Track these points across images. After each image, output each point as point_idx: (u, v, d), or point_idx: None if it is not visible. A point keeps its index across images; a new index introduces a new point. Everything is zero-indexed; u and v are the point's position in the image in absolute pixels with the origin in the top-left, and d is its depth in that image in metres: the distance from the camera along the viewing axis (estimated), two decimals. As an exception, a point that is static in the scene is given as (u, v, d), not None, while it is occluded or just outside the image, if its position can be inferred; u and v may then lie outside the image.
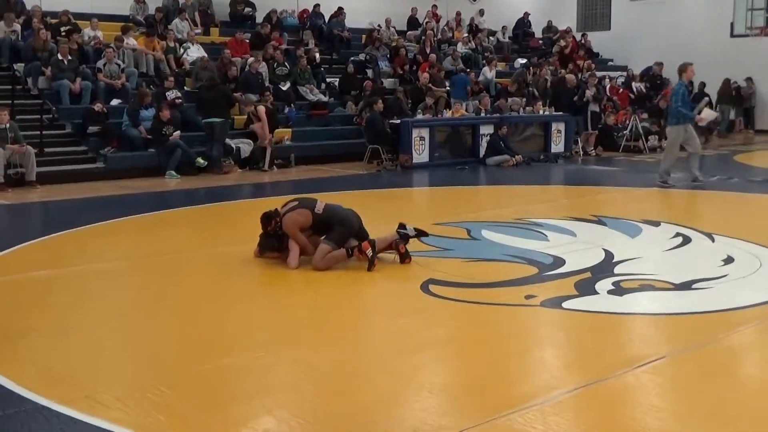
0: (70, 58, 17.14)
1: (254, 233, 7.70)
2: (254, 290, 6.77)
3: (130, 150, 16.21)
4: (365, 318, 5.91)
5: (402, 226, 7.39)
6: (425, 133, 17.91)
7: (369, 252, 7.06)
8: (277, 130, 17.72)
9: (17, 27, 18.24)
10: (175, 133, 16.15)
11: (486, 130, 18.78)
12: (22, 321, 5.72)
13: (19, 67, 17.31)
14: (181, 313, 5.92)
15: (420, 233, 7.43)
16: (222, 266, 7.38)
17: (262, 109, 17.15)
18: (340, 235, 7.24)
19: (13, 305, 6.20)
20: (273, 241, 7.34)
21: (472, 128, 18.72)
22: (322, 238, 7.23)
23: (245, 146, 17.28)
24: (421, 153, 17.82)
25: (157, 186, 14.53)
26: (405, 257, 7.36)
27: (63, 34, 18.39)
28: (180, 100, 17.31)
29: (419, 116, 18.84)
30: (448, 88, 21.96)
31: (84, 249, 8.45)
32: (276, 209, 7.35)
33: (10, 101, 15.31)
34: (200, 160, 16.27)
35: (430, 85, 20.93)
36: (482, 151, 18.49)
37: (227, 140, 16.97)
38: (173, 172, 15.88)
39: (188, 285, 6.81)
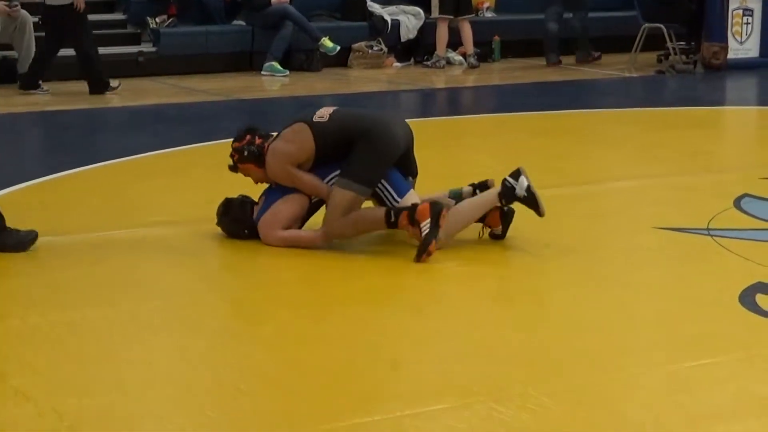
0: None
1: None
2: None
3: (200, 22, 14.05)
4: (635, 354, 4.77)
5: (516, 174, 6.01)
6: (754, 1, 14.92)
7: (426, 224, 5.65)
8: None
9: None
10: (283, -9, 14.26)
11: None
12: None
13: None
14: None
15: (529, 199, 5.93)
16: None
17: None
18: (370, 160, 5.89)
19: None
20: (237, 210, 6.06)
21: None
22: (336, 174, 5.98)
23: (408, 20, 14.89)
24: (743, 41, 14.81)
25: (250, 89, 13.06)
26: (502, 232, 6.08)
27: None
28: None
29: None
30: None
31: (125, 199, 7.45)
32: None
33: None
34: (327, 42, 13.68)
35: None
36: None
37: (373, 4, 14.76)
38: (276, 65, 13.44)
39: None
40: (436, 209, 5.71)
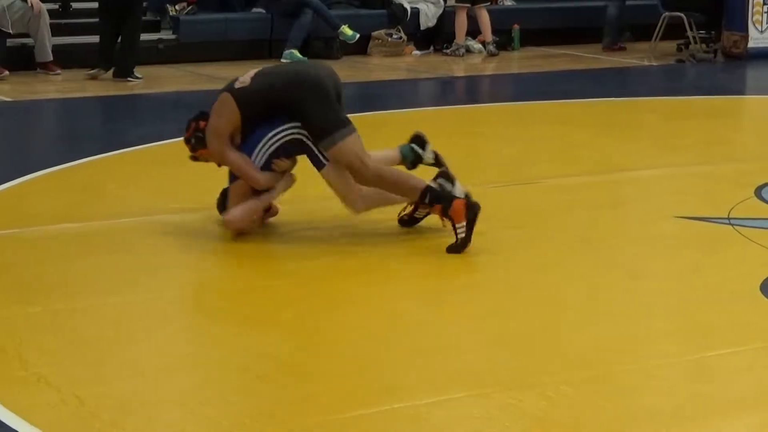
0: None
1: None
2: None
3: (220, 9, 14.10)
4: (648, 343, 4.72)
5: (442, 172, 5.94)
6: (778, -11, 14.85)
7: (462, 228, 5.51)
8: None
9: None
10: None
11: None
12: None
13: None
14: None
15: (439, 198, 5.75)
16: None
17: None
18: (324, 106, 5.70)
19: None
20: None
21: None
22: (268, 140, 5.75)
23: (428, 8, 14.74)
24: (764, 30, 14.66)
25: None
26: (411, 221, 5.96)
27: None
28: None
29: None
30: None
31: (144, 186, 7.38)
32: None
33: None
34: (347, 30, 13.66)
35: None
36: None
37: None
38: (295, 52, 13.30)
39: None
40: (472, 213, 5.63)
